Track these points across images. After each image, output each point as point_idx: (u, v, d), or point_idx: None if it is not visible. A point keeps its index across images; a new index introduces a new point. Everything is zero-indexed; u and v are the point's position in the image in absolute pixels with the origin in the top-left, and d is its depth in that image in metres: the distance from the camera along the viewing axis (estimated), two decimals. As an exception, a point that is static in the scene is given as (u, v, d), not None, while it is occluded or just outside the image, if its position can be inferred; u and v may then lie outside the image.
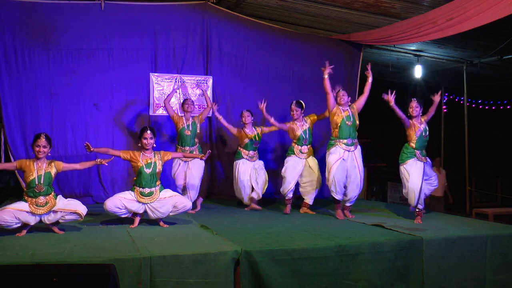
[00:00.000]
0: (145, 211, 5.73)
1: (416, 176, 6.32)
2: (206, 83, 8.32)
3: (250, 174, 7.31)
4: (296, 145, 7.11)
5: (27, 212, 5.10)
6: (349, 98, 6.78)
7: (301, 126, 7.11)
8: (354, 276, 4.87)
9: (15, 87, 7.34)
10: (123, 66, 7.85)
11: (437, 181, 6.83)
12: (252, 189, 7.35)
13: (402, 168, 6.54)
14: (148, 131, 5.77)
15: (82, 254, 4.36)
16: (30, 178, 5.16)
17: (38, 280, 3.27)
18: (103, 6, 7.69)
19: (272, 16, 8.58)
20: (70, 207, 5.25)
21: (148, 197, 5.65)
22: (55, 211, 5.20)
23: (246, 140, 7.32)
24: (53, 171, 5.28)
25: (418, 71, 10.37)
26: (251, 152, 7.35)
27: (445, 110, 12.57)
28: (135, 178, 5.75)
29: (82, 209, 5.27)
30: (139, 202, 5.65)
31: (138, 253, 4.36)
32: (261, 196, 7.41)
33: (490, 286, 5.38)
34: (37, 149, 5.19)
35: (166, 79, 8.10)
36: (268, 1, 7.83)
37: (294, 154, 7.12)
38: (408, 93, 11.77)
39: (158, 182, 5.77)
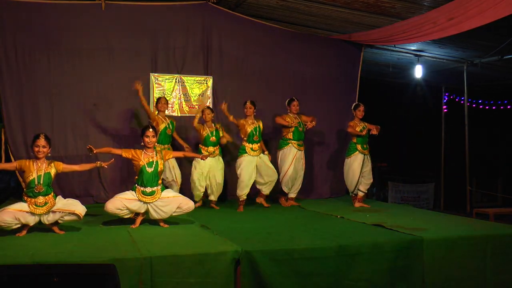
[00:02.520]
0: (147, 211, 5.73)
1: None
2: (207, 83, 8.33)
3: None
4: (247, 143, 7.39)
5: (27, 212, 5.11)
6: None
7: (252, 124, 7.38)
8: (354, 276, 4.87)
9: (16, 87, 7.35)
10: (123, 66, 7.86)
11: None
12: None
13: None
14: (150, 129, 5.78)
15: (83, 254, 4.37)
16: (30, 178, 5.16)
17: (39, 280, 3.28)
18: (104, 7, 7.69)
19: (272, 16, 8.58)
20: (69, 207, 5.25)
21: (150, 196, 5.65)
22: (54, 211, 5.20)
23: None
24: (52, 172, 5.28)
25: (418, 71, 10.36)
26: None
27: (445, 110, 12.58)
28: (136, 177, 5.75)
29: (80, 209, 5.28)
30: (141, 201, 5.65)
31: (139, 253, 4.37)
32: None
33: (491, 287, 5.37)
34: (36, 149, 5.19)
35: (166, 79, 8.12)
36: (269, 1, 7.83)
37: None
38: (409, 93, 11.82)
39: (160, 181, 5.77)
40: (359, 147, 7.70)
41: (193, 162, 7.44)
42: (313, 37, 9.10)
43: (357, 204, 7.70)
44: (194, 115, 7.81)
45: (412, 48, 9.65)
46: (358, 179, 7.67)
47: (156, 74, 8.06)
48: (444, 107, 12.58)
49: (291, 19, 8.60)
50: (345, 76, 9.26)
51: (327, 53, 9.13)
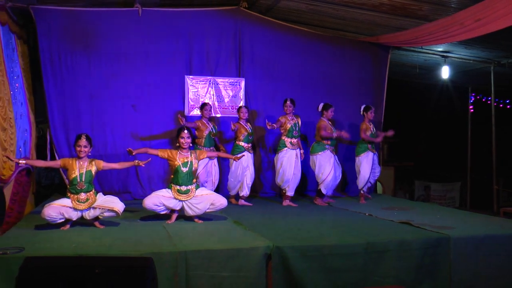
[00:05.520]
0: (182, 208, 5.78)
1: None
2: (239, 84, 8.36)
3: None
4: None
5: (70, 207, 5.22)
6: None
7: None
8: (382, 272, 4.82)
9: (59, 90, 7.52)
10: (159, 69, 7.95)
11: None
12: None
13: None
14: (185, 131, 5.83)
15: (122, 248, 4.45)
16: (73, 176, 5.27)
17: (82, 271, 3.34)
18: (140, 13, 7.79)
19: (302, 20, 8.55)
20: (108, 204, 5.35)
21: (185, 195, 5.70)
22: (94, 208, 5.31)
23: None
24: (93, 170, 5.38)
25: (445, 72, 10.19)
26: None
27: (471, 111, 12.31)
28: (172, 176, 5.80)
29: (119, 206, 5.37)
30: (176, 199, 5.70)
31: (174, 248, 4.41)
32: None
33: (518, 285, 5.25)
34: (78, 149, 5.30)
35: (200, 81, 8.18)
36: (299, 5, 7.80)
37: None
38: (435, 94, 11.62)
39: (195, 180, 5.82)
40: (369, 146, 7.80)
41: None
42: (341, 39, 9.03)
43: (363, 200, 7.88)
44: (227, 116, 7.88)
45: (439, 49, 9.48)
46: (368, 177, 7.78)
47: (191, 77, 8.13)
48: (471, 107, 12.32)
49: (320, 23, 8.56)
50: (373, 78, 9.16)
51: (355, 55, 9.04)
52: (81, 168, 5.31)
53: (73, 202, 5.25)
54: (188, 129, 5.91)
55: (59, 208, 5.16)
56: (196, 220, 5.83)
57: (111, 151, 7.68)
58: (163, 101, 7.97)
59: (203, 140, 7.34)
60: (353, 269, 4.72)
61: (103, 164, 5.48)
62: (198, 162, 5.90)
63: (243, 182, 7.44)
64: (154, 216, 5.90)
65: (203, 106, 7.55)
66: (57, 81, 7.50)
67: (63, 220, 5.24)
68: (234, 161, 7.15)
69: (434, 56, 9.86)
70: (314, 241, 4.87)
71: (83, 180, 5.28)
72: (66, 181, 6.11)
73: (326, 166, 7.47)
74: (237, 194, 7.57)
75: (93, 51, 7.66)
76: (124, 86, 7.80)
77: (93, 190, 5.36)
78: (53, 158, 7.40)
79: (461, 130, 12.38)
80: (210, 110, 7.63)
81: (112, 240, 4.76)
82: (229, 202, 7.30)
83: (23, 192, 6.82)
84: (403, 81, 11.38)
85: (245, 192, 7.49)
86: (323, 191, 7.55)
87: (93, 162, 5.41)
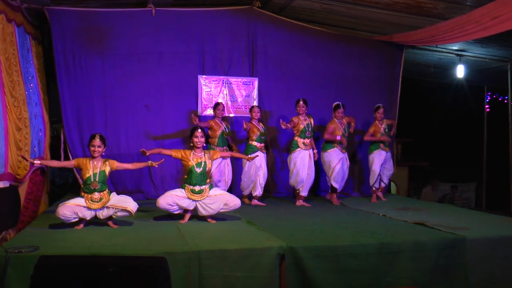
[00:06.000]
0: (196, 208, 5.79)
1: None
2: (252, 84, 8.36)
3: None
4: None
5: (84, 207, 5.26)
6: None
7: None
8: (396, 273, 4.78)
9: (73, 90, 7.58)
10: (173, 69, 7.98)
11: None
12: None
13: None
14: (199, 130, 5.84)
15: (136, 247, 4.47)
16: (86, 176, 5.31)
17: (95, 270, 3.36)
18: (154, 13, 7.82)
19: (315, 19, 8.52)
20: (122, 204, 5.37)
21: (198, 195, 5.71)
22: (108, 207, 5.34)
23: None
24: (107, 170, 5.41)
25: (460, 71, 10.07)
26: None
27: (488, 110, 12.17)
28: (185, 176, 5.82)
29: (132, 206, 5.39)
30: (190, 199, 5.72)
31: (188, 247, 4.42)
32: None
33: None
34: (92, 148, 5.34)
35: (213, 81, 8.19)
36: (312, 4, 7.78)
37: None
38: (450, 93, 11.50)
39: (208, 180, 5.83)
40: (381, 145, 7.89)
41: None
42: (355, 38, 8.98)
43: (375, 199, 7.99)
44: (240, 115, 7.89)
45: (454, 48, 9.38)
46: (378, 175, 7.88)
47: (204, 76, 8.15)
48: (487, 106, 12.17)
49: (333, 22, 8.52)
50: (387, 77, 9.10)
51: (368, 54, 8.99)
52: (95, 168, 5.34)
53: (87, 201, 5.28)
54: (201, 128, 5.92)
55: (73, 208, 5.20)
56: (209, 220, 5.84)
57: (125, 151, 7.72)
58: (176, 101, 8.00)
59: (216, 140, 7.36)
60: (367, 270, 4.69)
61: (116, 164, 5.51)
62: (212, 162, 5.91)
63: (256, 182, 7.43)
64: (168, 216, 5.92)
65: (216, 105, 7.56)
66: (71, 82, 7.56)
67: (77, 219, 5.28)
68: (248, 161, 7.15)
69: (449, 54, 9.77)
70: (327, 241, 4.85)
71: (97, 180, 5.31)
72: (80, 180, 6.15)
73: (334, 159, 7.58)
74: (250, 194, 7.57)
75: (107, 52, 7.70)
76: (137, 86, 7.84)
77: (106, 190, 5.40)
78: (66, 158, 7.46)
79: (476, 130, 12.25)
80: (223, 110, 7.64)
81: (126, 240, 4.79)
82: (242, 202, 7.34)
83: (38, 191, 6.88)
84: (417, 80, 11.28)
85: (258, 192, 7.48)
86: (334, 184, 7.62)
87: (107, 162, 5.44)
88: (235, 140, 8.09)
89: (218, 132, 7.37)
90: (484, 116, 12.14)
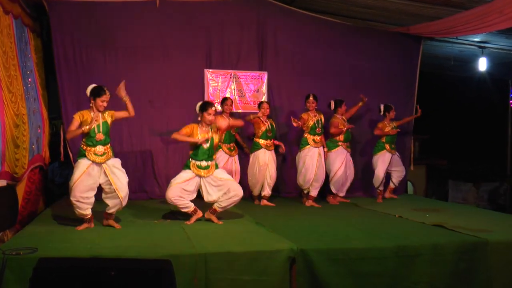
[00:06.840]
0: (200, 190, 5.79)
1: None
2: (262, 78, 8.34)
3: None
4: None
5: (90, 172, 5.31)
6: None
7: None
8: (414, 278, 4.76)
9: (73, 84, 7.57)
10: (178, 62, 7.98)
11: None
12: None
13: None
14: (213, 107, 5.86)
15: (139, 249, 4.49)
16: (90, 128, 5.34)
17: (97, 273, 3.37)
18: (158, 4, 7.81)
19: (328, 10, 8.47)
20: (116, 183, 5.37)
21: (205, 170, 5.75)
22: (106, 172, 5.36)
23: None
24: (109, 120, 5.50)
25: (482, 64, 9.97)
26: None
27: (512, 105, 12.09)
28: (191, 151, 5.83)
29: (123, 194, 5.37)
30: (196, 175, 5.73)
31: (194, 250, 4.43)
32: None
33: None
34: (101, 103, 5.39)
35: (220, 75, 8.18)
36: (325, -6, 7.76)
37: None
38: (472, 87, 11.40)
39: (215, 156, 5.90)
40: (387, 146, 7.95)
41: (252, 156, 7.50)
42: (370, 30, 8.92)
43: (386, 195, 8.23)
44: (248, 111, 7.91)
45: (476, 39, 9.29)
46: (383, 177, 7.93)
47: (210, 71, 8.14)
48: (511, 101, 12.07)
49: (347, 12, 8.47)
50: (404, 70, 9.05)
51: (385, 46, 8.93)
52: (98, 120, 5.38)
53: (90, 155, 5.32)
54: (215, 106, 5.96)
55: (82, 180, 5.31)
56: (216, 220, 5.83)
57: (127, 148, 7.74)
58: (181, 96, 7.97)
59: (223, 136, 7.34)
60: (383, 274, 4.68)
61: (115, 113, 5.59)
62: (218, 136, 5.96)
63: (264, 181, 7.42)
64: (173, 216, 5.93)
65: (224, 101, 7.57)
66: (71, 76, 7.57)
67: (90, 206, 5.36)
68: (251, 159, 7.32)
69: (471, 47, 9.68)
70: (341, 244, 4.84)
71: (101, 131, 5.37)
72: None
73: (336, 163, 7.63)
74: (259, 194, 7.56)
75: (109, 45, 7.71)
76: (141, 81, 7.80)
77: (109, 144, 5.47)
78: (66, 156, 7.48)
79: (500, 126, 12.15)
80: (231, 105, 7.64)
81: (129, 241, 4.81)
82: (251, 203, 7.35)
83: (36, 190, 6.92)
84: (436, 73, 11.21)
85: (267, 191, 7.48)
86: (332, 189, 7.70)
87: (107, 113, 5.50)
88: (243, 137, 8.07)
89: (225, 128, 7.34)
90: (509, 112, 12.04)
